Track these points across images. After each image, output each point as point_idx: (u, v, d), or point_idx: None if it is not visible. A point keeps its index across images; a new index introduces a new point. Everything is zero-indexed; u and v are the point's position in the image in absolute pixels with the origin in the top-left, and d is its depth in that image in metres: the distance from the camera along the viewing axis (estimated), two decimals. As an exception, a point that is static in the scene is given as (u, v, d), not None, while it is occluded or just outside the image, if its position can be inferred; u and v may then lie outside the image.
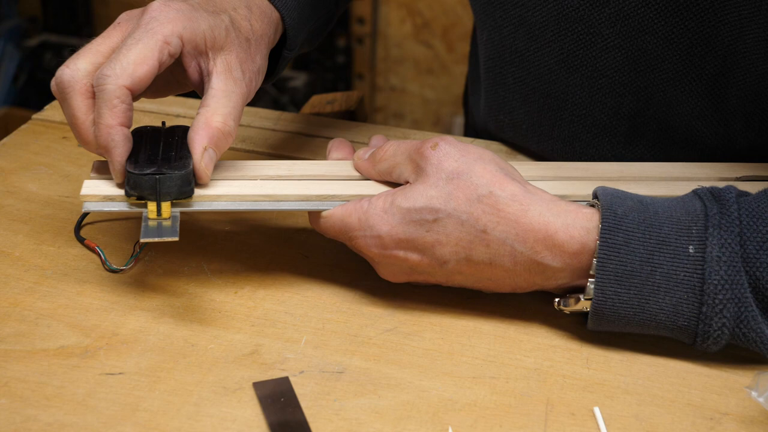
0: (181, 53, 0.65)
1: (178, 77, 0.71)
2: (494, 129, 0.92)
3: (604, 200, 0.62)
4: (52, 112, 0.92)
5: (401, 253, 0.64)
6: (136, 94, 0.64)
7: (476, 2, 0.89)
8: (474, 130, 1.02)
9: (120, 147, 0.63)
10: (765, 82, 0.75)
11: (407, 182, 0.65)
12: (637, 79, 0.78)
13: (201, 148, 0.64)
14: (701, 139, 0.80)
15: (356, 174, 0.69)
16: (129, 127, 0.64)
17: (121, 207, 0.64)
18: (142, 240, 0.61)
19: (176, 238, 0.61)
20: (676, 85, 0.77)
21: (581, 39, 0.79)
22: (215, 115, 0.65)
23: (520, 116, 0.87)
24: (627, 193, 0.64)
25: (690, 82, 0.77)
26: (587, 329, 0.64)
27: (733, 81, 0.75)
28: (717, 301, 0.59)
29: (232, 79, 0.66)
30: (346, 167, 0.70)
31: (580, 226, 0.62)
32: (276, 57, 0.77)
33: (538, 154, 0.88)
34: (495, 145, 0.91)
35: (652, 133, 0.81)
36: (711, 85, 0.76)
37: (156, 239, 0.61)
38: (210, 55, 0.66)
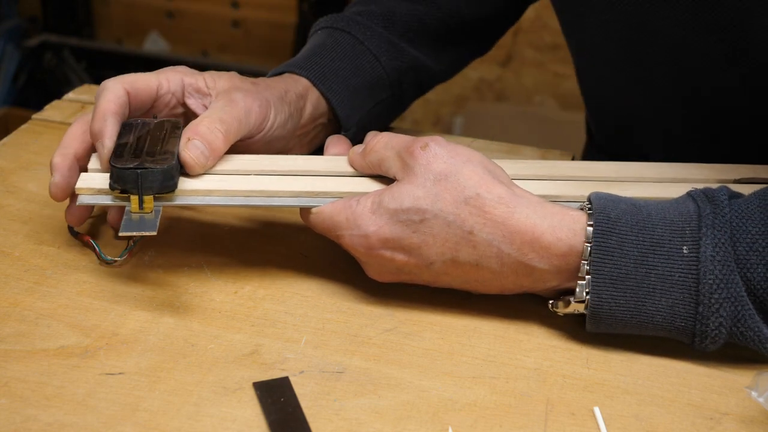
0: (185, 96, 0.72)
1: None
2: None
3: (596, 204, 0.62)
4: (52, 112, 0.92)
5: (388, 253, 0.64)
6: (133, 101, 0.70)
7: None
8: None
9: (110, 131, 0.67)
10: None
11: (395, 178, 0.66)
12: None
13: (186, 138, 0.67)
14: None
15: (350, 170, 0.70)
16: (123, 119, 0.69)
17: (108, 200, 0.65)
18: (121, 234, 0.63)
19: (154, 233, 0.63)
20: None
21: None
22: (204, 119, 0.69)
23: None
24: (620, 197, 0.64)
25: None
26: (586, 330, 0.64)
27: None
28: (713, 301, 0.59)
29: (230, 100, 0.70)
30: (340, 163, 0.71)
31: (567, 228, 0.62)
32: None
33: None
34: (495, 144, 0.91)
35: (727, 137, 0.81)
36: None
37: (135, 233, 0.63)
38: (213, 94, 0.72)
